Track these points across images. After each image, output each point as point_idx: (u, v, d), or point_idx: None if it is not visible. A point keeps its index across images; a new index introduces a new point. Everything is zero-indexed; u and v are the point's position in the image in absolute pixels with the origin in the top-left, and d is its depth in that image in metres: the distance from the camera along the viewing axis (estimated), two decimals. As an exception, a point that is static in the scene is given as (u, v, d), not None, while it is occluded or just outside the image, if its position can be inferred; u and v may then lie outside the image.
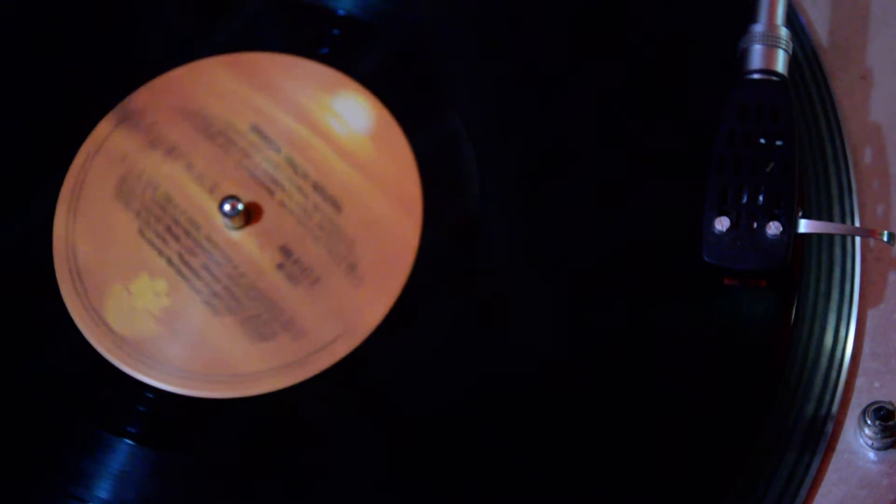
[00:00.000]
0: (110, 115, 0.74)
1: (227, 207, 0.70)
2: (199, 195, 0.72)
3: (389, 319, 0.68)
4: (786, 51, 0.68)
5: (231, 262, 0.70)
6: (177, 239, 0.71)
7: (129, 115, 0.74)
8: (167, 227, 0.71)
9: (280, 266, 0.70)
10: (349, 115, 0.73)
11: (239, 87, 0.74)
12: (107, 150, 0.74)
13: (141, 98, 0.74)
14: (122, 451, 0.66)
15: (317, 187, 0.72)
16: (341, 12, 0.75)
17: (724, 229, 0.65)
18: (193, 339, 0.69)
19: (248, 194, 0.71)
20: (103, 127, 0.74)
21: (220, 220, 0.71)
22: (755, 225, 0.65)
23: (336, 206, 0.71)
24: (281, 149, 0.73)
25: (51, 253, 0.71)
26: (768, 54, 0.68)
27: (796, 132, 0.66)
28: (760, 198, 0.65)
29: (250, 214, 0.71)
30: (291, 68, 0.74)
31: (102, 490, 0.66)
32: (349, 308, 0.69)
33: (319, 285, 0.69)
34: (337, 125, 0.73)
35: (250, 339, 0.68)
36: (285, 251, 0.70)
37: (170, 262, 0.71)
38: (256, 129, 0.73)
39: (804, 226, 0.65)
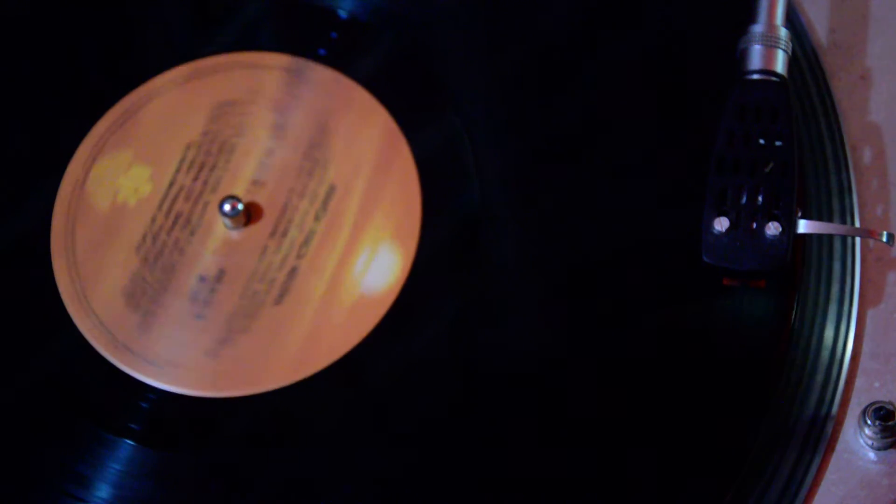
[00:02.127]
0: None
1: (227, 207, 0.70)
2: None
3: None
4: (785, 51, 0.68)
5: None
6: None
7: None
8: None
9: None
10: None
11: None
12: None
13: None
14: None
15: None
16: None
17: (724, 230, 0.65)
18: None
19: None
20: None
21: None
22: (754, 225, 0.65)
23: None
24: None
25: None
26: (768, 55, 0.68)
27: (796, 132, 0.66)
28: (760, 198, 0.65)
29: (250, 214, 0.71)
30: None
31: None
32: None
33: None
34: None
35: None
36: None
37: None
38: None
39: (803, 226, 0.65)
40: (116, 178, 0.73)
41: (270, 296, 0.69)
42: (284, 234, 0.71)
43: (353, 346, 0.68)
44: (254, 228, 0.71)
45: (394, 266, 0.69)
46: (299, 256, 0.70)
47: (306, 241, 0.70)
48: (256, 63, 0.75)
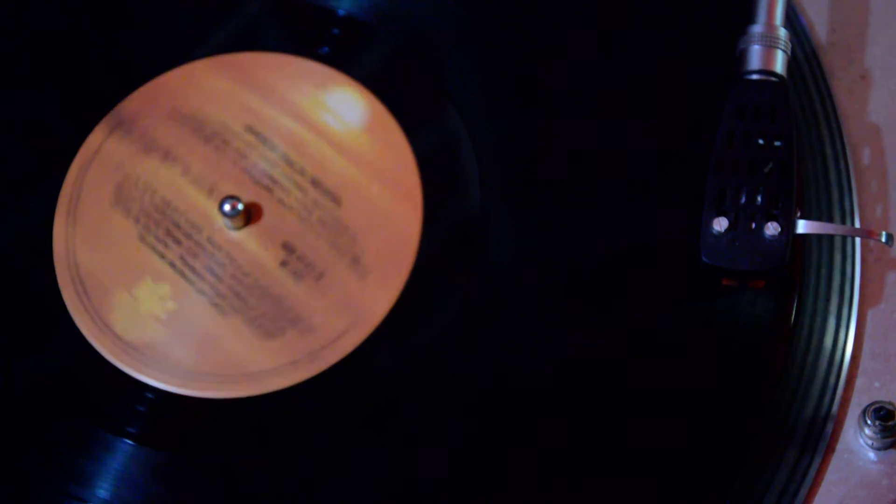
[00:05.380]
0: (104, 121, 0.74)
1: (227, 207, 0.70)
2: (197, 197, 0.72)
3: (395, 311, 0.68)
4: (784, 51, 0.68)
5: (234, 262, 0.70)
6: (178, 242, 0.71)
7: (122, 121, 0.74)
8: (167, 231, 0.71)
9: (283, 263, 0.70)
10: (346, 111, 0.73)
11: (233, 87, 0.74)
12: (102, 157, 0.74)
13: (134, 103, 0.75)
14: (122, 451, 0.67)
15: (315, 183, 0.72)
16: (341, 12, 0.75)
17: (723, 230, 0.65)
18: (201, 340, 0.69)
19: (247, 194, 0.71)
20: (98, 133, 0.74)
21: (221, 221, 0.71)
22: (753, 225, 0.65)
23: (336, 200, 0.71)
24: (277, 147, 0.73)
25: (52, 257, 0.71)
26: (767, 55, 0.68)
27: (795, 133, 0.66)
28: (759, 198, 0.65)
29: (250, 214, 0.71)
30: (287, 67, 0.75)
31: (102, 490, 0.66)
32: (355, 301, 0.69)
33: (324, 280, 0.70)
34: (333, 122, 0.73)
35: (258, 337, 0.69)
36: (288, 248, 0.71)
37: (172, 265, 0.71)
38: (251, 129, 0.73)
39: (803, 226, 0.65)
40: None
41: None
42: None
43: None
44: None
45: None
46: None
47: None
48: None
